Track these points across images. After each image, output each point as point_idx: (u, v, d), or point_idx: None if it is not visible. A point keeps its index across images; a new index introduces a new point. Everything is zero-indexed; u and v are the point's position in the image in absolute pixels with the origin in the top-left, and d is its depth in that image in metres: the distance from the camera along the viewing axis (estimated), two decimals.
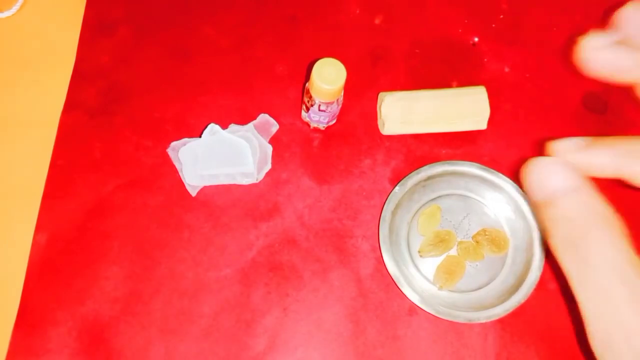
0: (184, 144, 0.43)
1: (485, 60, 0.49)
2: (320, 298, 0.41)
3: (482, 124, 0.45)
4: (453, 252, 0.42)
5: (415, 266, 0.42)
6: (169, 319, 0.40)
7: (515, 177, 0.44)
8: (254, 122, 0.45)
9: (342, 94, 0.41)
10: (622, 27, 0.33)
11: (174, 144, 0.44)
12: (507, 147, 0.46)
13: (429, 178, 0.43)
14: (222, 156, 0.42)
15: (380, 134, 0.46)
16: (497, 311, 0.39)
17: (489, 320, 0.39)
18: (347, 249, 0.43)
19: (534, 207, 0.33)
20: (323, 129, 0.46)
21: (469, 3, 0.51)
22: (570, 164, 0.32)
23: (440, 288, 0.41)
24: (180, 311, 0.41)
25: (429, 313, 0.39)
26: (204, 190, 0.44)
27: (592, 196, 0.31)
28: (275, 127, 0.45)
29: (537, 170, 0.34)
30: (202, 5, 0.50)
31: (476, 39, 0.50)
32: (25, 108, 0.47)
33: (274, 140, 0.45)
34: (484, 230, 0.42)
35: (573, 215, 0.30)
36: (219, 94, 0.47)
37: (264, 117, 0.45)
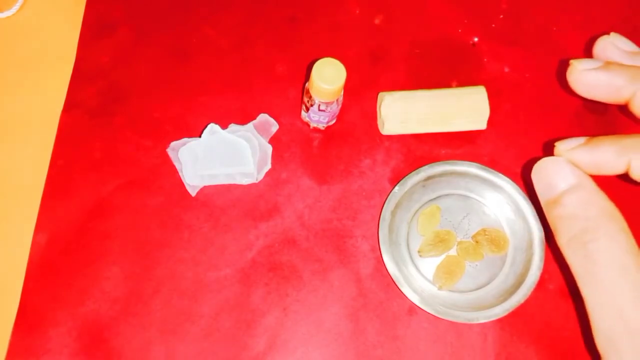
0: (184, 144, 0.43)
1: (485, 60, 0.49)
2: (320, 298, 0.41)
3: (482, 124, 0.45)
4: (453, 252, 0.42)
5: (415, 266, 0.42)
6: (169, 319, 0.40)
7: (516, 177, 0.44)
8: (254, 122, 0.45)
9: (342, 93, 0.41)
10: (602, 56, 0.33)
11: (173, 144, 0.44)
12: (507, 147, 0.46)
13: (429, 178, 0.43)
14: (222, 156, 0.42)
15: (380, 134, 0.46)
16: (496, 311, 0.39)
17: (488, 320, 0.39)
18: (347, 249, 0.43)
19: (543, 208, 0.33)
20: (323, 129, 0.46)
21: (469, 3, 0.51)
22: (573, 163, 0.32)
23: (440, 288, 0.41)
24: (180, 311, 0.41)
25: (428, 313, 0.39)
26: (204, 190, 0.44)
27: (597, 193, 0.31)
28: (275, 127, 0.45)
29: (542, 170, 0.34)
30: (202, 5, 0.50)
31: (476, 39, 0.50)
32: (25, 108, 0.47)
33: (273, 140, 0.45)
34: (484, 230, 0.42)
35: (578, 213, 0.30)
36: (219, 94, 0.47)
37: (263, 117, 0.45)
